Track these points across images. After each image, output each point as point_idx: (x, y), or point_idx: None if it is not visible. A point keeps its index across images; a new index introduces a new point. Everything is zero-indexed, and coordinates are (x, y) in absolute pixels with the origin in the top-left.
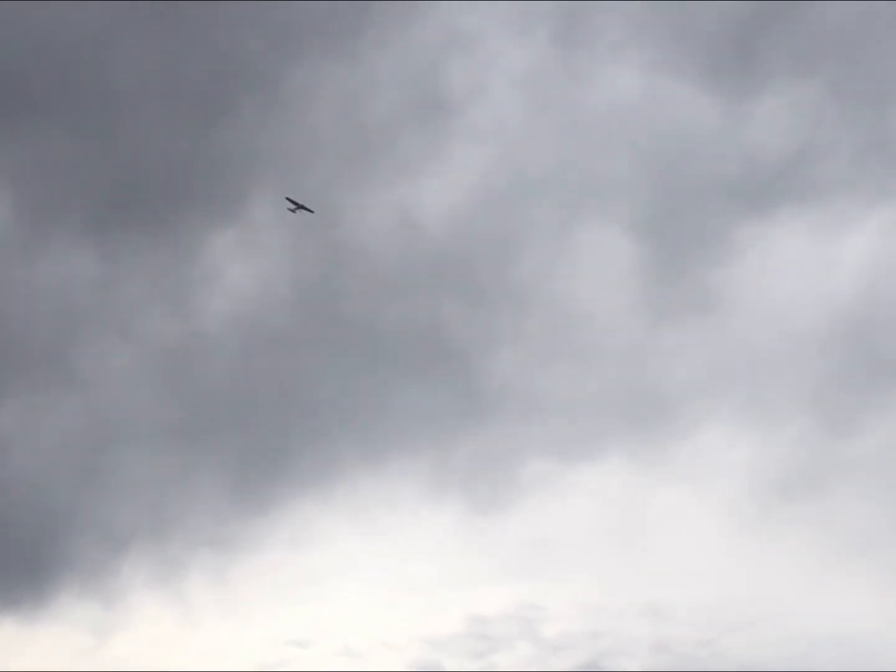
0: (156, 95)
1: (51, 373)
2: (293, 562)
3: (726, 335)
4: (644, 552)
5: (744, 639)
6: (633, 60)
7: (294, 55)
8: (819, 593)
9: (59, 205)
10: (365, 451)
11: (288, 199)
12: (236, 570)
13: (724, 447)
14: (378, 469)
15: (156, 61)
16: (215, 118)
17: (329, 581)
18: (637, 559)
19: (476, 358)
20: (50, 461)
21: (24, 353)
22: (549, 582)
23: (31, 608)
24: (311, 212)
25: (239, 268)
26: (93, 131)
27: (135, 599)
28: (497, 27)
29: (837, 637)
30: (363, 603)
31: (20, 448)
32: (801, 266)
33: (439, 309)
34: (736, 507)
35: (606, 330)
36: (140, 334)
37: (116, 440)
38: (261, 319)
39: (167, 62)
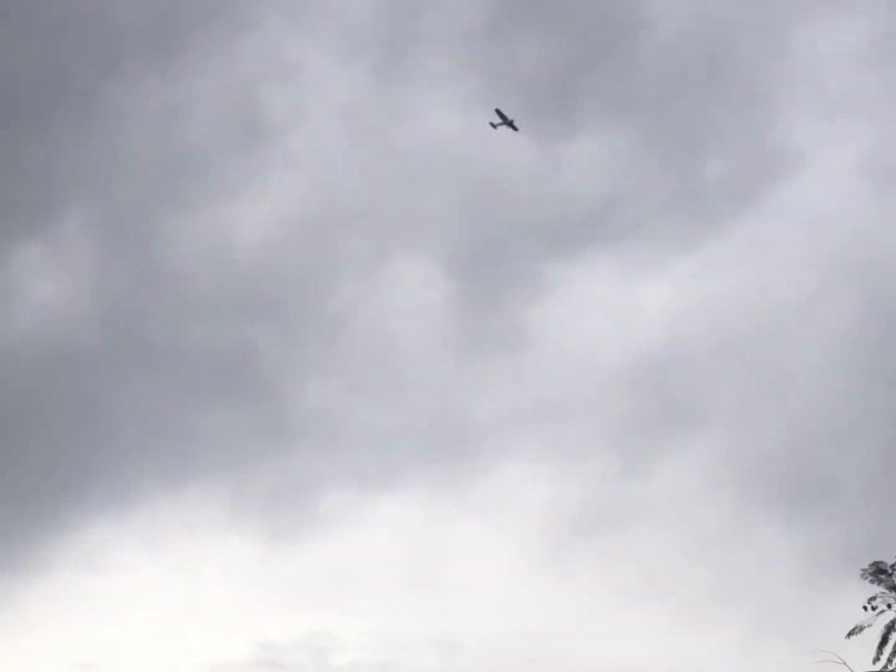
0: None
1: None
2: (84, 584)
3: (531, 373)
4: (438, 584)
5: None
6: (453, 96)
7: (112, 71)
8: (610, 630)
9: None
10: (165, 476)
11: (497, 111)
12: (25, 591)
13: (522, 484)
14: (177, 494)
15: None
16: (27, 129)
17: (121, 605)
18: (431, 591)
19: (284, 386)
20: None
21: None
22: (342, 612)
23: None
24: (516, 130)
25: (43, 283)
26: None
27: None
28: (319, 57)
29: None
30: (154, 627)
31: None
32: (606, 308)
33: (249, 335)
34: (532, 543)
35: (415, 363)
36: None
37: None
38: (63, 337)
39: None
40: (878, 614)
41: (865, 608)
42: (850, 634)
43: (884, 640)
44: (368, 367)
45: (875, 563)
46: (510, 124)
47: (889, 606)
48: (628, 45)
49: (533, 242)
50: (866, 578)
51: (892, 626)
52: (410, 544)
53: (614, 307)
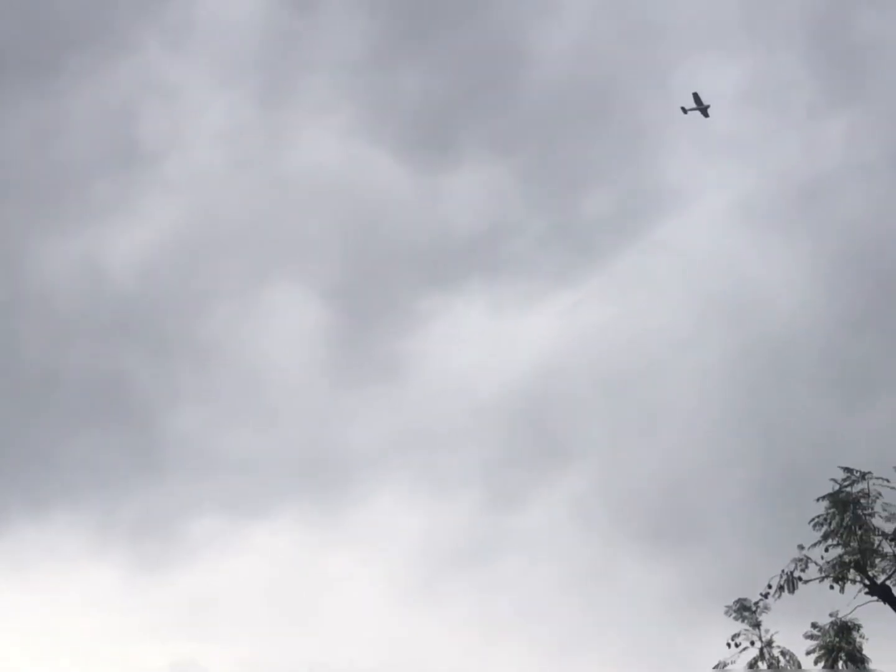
0: None
1: None
2: None
3: (406, 403)
4: (310, 614)
5: None
6: (332, 125)
7: None
8: (481, 660)
9: None
10: (29, 501)
11: (695, 95)
12: None
13: (395, 514)
14: (42, 519)
15: None
16: None
17: None
18: (302, 621)
19: (155, 411)
20: None
21: None
22: (209, 641)
23: None
24: (707, 117)
25: None
26: None
27: None
28: (199, 80)
29: None
30: (14, 657)
31: None
32: (483, 340)
33: (121, 359)
34: (404, 573)
35: (289, 391)
36: None
37: None
38: None
39: None
40: (741, 651)
41: (729, 645)
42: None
43: None
44: (242, 394)
45: (739, 601)
46: (703, 111)
47: (752, 643)
48: (510, 81)
49: (410, 273)
50: (730, 615)
51: (755, 663)
52: (282, 573)
53: (491, 339)
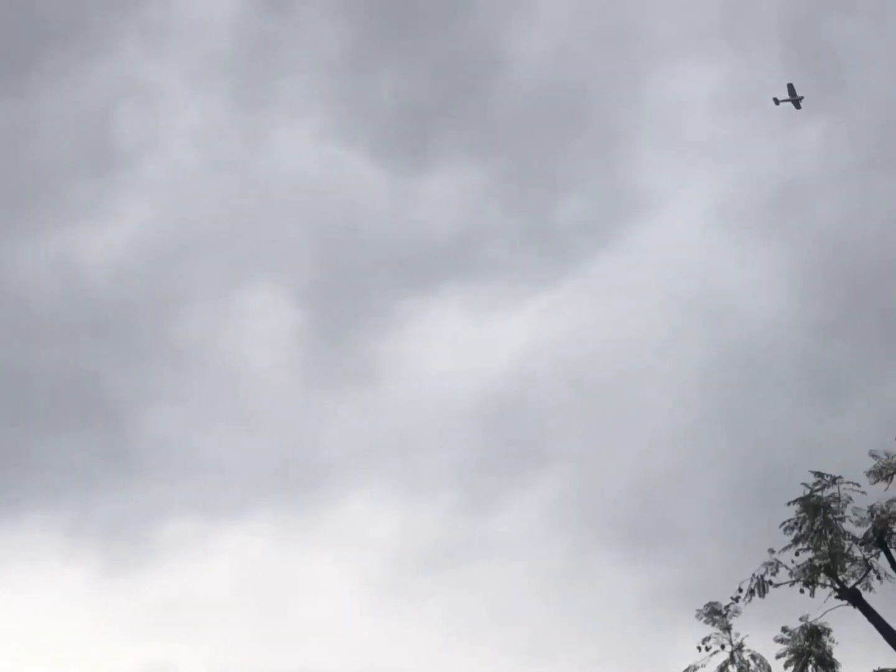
0: None
1: None
2: None
3: (380, 407)
4: (284, 617)
5: None
6: (308, 126)
7: None
8: (455, 664)
9: None
10: (2, 501)
11: (790, 85)
12: None
13: (370, 517)
14: (14, 521)
15: None
16: None
17: None
18: (277, 623)
19: (131, 414)
20: None
21: None
22: (182, 643)
23: None
24: (798, 108)
25: None
26: None
27: None
28: (175, 81)
29: None
30: None
31: None
32: (458, 344)
33: (97, 361)
34: (378, 577)
35: (263, 393)
36: None
37: None
38: None
39: None
40: (711, 655)
41: (700, 648)
42: None
43: None
44: (217, 396)
45: (710, 604)
46: (796, 102)
47: (722, 647)
48: (486, 84)
49: (385, 276)
50: (701, 619)
51: (725, 667)
52: (256, 576)
53: (467, 342)
